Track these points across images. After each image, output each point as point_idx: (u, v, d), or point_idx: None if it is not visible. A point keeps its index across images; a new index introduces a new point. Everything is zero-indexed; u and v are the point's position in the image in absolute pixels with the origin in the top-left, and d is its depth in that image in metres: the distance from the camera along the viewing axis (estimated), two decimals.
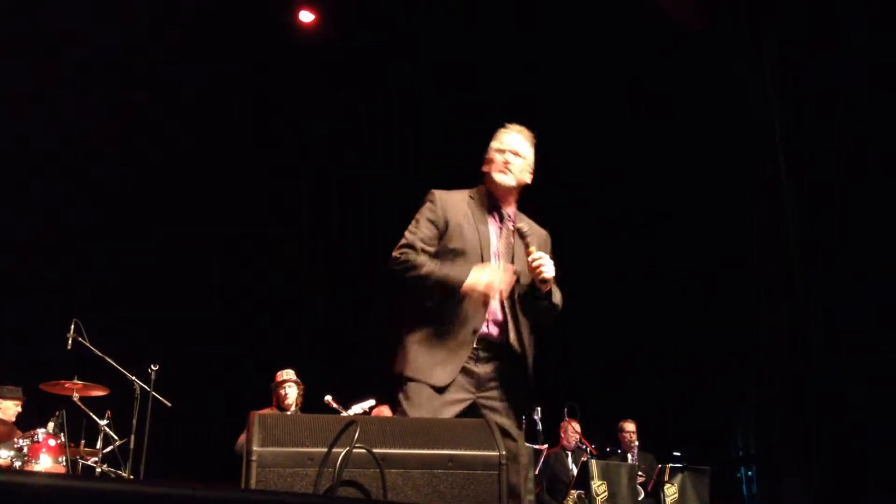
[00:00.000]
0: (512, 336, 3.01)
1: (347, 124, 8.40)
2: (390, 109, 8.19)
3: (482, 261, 3.00)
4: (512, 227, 3.14)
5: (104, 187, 7.68)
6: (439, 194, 3.12)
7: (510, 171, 3.13)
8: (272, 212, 8.62)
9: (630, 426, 7.54)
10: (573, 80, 8.31)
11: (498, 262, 3.05)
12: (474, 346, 2.96)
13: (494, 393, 2.98)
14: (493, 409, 2.95)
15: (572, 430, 7.24)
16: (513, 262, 3.08)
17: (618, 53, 8.12)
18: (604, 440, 7.86)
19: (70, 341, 5.79)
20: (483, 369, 2.98)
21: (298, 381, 6.49)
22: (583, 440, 7.19)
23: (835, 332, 6.98)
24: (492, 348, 3.00)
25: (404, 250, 3.00)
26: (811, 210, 7.35)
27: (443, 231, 3.04)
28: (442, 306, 2.97)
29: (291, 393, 6.42)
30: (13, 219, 7.32)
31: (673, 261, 8.79)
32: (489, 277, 2.91)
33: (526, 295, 3.06)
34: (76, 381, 5.93)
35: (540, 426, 6.44)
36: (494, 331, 3.02)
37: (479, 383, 2.97)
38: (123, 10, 7.19)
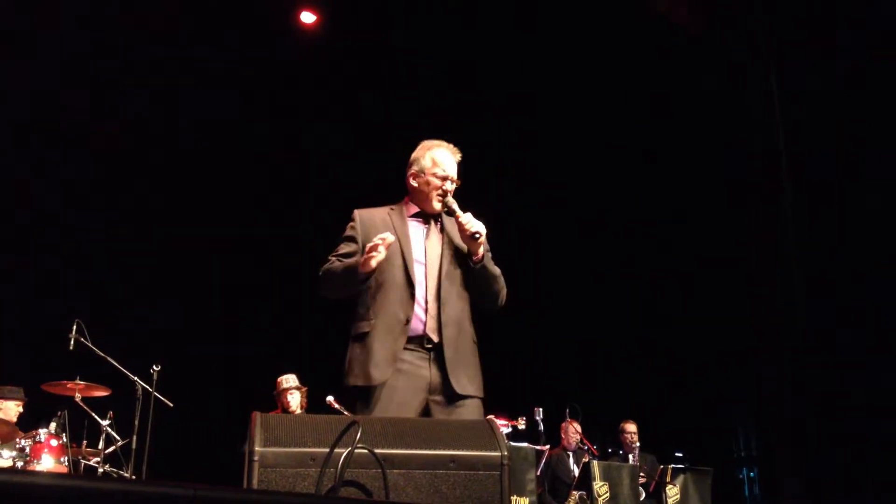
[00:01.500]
0: (443, 332, 3.06)
1: (349, 124, 8.40)
2: (392, 110, 8.19)
3: (404, 261, 3.11)
4: (439, 221, 3.27)
5: (106, 188, 7.68)
6: (359, 213, 3.28)
7: (447, 197, 3.22)
8: (274, 212, 8.62)
9: (631, 427, 7.53)
10: (571, 79, 8.32)
11: (424, 262, 3.16)
12: (414, 338, 3.04)
13: (446, 397, 3.03)
14: (445, 409, 3.01)
15: (573, 431, 7.23)
16: (443, 257, 3.17)
17: (616, 53, 8.14)
18: (605, 441, 7.85)
19: (72, 342, 5.78)
20: (433, 372, 3.03)
21: (300, 385, 6.50)
22: (584, 441, 7.18)
23: (835, 332, 6.98)
24: (436, 351, 3.06)
25: (323, 266, 3.20)
26: (810, 209, 7.35)
27: (363, 243, 3.14)
28: (371, 306, 3.09)
29: (294, 399, 6.43)
30: (15, 219, 7.32)
31: (673, 261, 8.79)
32: (369, 247, 2.99)
33: (466, 269, 3.17)
34: (78, 382, 5.93)
35: (542, 427, 6.43)
36: (433, 331, 3.08)
37: (430, 385, 3.03)
38: (124, 11, 7.20)
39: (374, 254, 2.96)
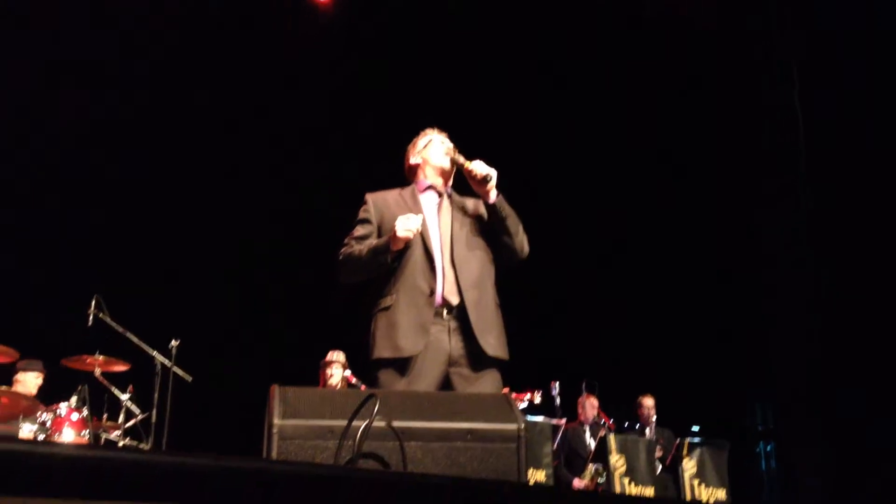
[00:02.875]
0: (463, 294, 3.08)
1: (366, 103, 8.37)
2: (407, 90, 8.15)
3: (421, 234, 3.13)
4: (450, 196, 3.34)
5: (125, 163, 7.69)
6: (371, 196, 3.36)
7: (451, 153, 3.33)
8: (293, 187, 8.60)
9: (648, 401, 7.53)
10: (579, 71, 8.30)
11: (438, 232, 3.21)
12: (437, 309, 3.06)
13: (467, 366, 3.05)
14: (466, 379, 3.03)
15: (590, 405, 7.25)
16: (454, 225, 3.23)
17: (624, 47, 8.11)
18: (622, 415, 7.86)
19: (91, 317, 5.83)
20: (454, 341, 3.05)
21: (345, 363, 6.54)
22: (601, 415, 7.20)
23: (851, 309, 6.96)
24: (457, 317, 3.08)
25: (341, 250, 3.24)
26: (826, 190, 7.31)
27: (378, 225, 3.26)
28: (392, 281, 3.12)
29: (336, 374, 6.47)
30: (34, 195, 7.36)
31: (691, 237, 8.74)
32: (399, 225, 3.04)
33: (481, 233, 3.23)
34: (98, 357, 5.98)
35: (558, 401, 6.46)
36: (451, 294, 3.10)
37: (451, 357, 3.05)
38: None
39: (406, 233, 3.01)
